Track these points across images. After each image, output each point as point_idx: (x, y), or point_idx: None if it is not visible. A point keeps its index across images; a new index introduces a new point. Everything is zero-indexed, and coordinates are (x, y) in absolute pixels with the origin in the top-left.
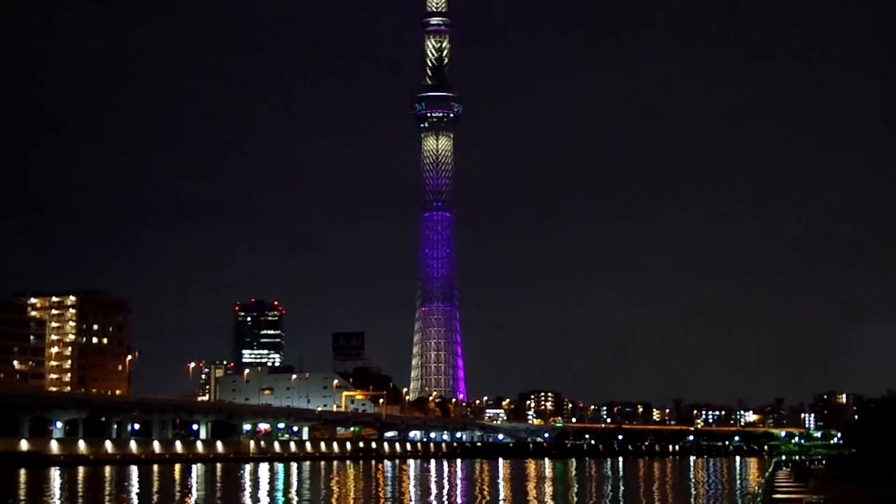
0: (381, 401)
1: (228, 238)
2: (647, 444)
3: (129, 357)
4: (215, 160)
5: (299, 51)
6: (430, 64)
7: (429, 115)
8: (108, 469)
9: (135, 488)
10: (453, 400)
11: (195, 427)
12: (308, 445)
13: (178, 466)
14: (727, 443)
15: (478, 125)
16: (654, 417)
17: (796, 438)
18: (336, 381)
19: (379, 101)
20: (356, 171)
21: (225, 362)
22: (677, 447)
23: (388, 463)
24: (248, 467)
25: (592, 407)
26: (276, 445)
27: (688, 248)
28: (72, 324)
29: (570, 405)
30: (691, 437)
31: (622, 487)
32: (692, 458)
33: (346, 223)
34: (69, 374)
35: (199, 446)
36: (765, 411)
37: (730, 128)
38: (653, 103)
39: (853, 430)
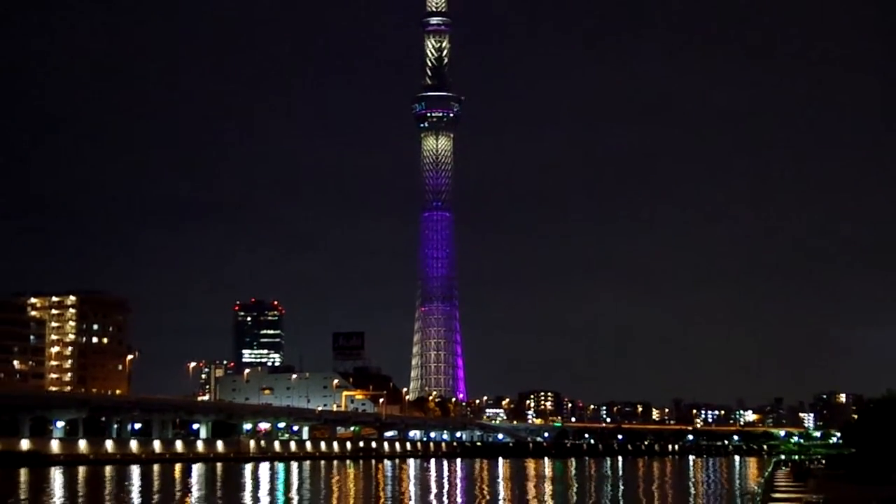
0: (380, 400)
1: (228, 238)
2: (646, 443)
3: (130, 357)
4: (215, 160)
5: (299, 51)
6: (429, 64)
7: (428, 114)
8: (108, 469)
9: (136, 488)
10: (453, 399)
11: (195, 427)
12: (308, 445)
13: (178, 466)
14: (726, 442)
15: (478, 125)
16: (654, 417)
17: (796, 438)
18: (336, 381)
19: (379, 101)
20: (356, 171)
21: (225, 362)
22: (677, 447)
23: (387, 462)
24: (248, 467)
25: (592, 406)
26: (277, 445)
27: (688, 248)
28: (72, 324)
29: (570, 405)
30: (691, 437)
31: (622, 487)
32: (692, 457)
33: (346, 223)
34: (69, 374)
35: (200, 446)
36: (764, 411)
37: (730, 128)
38: (653, 103)
39: (852, 430)
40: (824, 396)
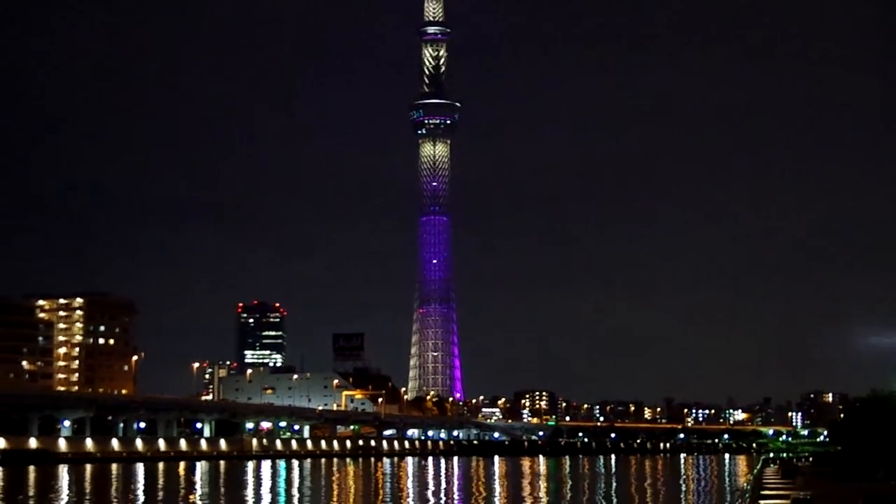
0: (380, 400)
1: (229, 239)
2: (638, 441)
3: (135, 357)
4: (215, 160)
5: (299, 51)
6: (427, 72)
7: (426, 121)
8: (114, 466)
9: (141, 485)
10: (450, 399)
11: (199, 425)
12: (309, 443)
13: (182, 464)
14: (717, 440)
15: (476, 128)
16: (646, 416)
17: (784, 436)
18: (336, 381)
19: (379, 103)
20: (356, 172)
21: (228, 363)
22: (668, 445)
23: (386, 460)
24: (250, 465)
25: (586, 406)
26: (278, 443)
27: (688, 248)
28: (79, 325)
29: (565, 404)
30: (682, 435)
31: (614, 484)
32: (682, 455)
33: (346, 226)
34: (77, 375)
35: (203, 444)
36: (753, 410)
37: (730, 128)
38: (653, 103)
39: (839, 429)
40: (811, 396)
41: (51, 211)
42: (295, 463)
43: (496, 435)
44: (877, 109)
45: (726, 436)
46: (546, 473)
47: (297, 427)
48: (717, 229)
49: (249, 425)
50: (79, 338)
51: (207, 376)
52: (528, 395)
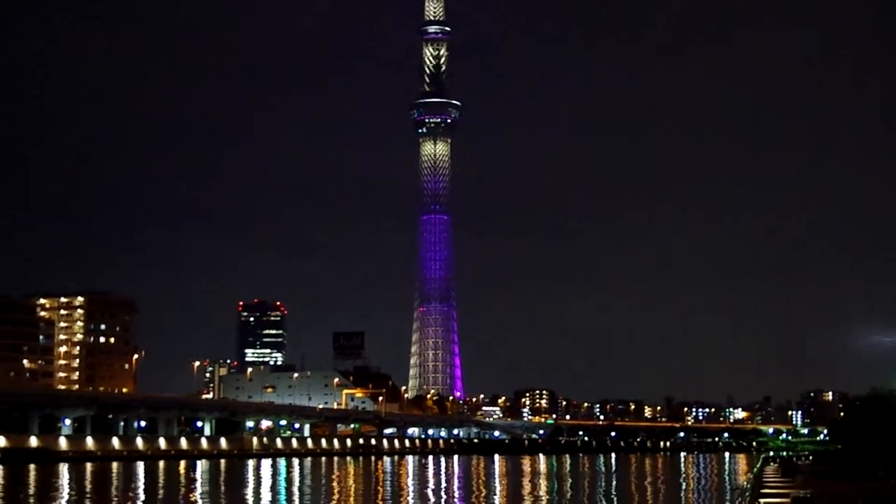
0: (380, 398)
1: (229, 239)
2: (638, 440)
3: (136, 356)
4: (215, 160)
5: (299, 51)
6: (427, 71)
7: (427, 120)
8: (115, 465)
9: (142, 484)
10: (450, 398)
11: (200, 424)
12: (309, 442)
13: (183, 462)
14: (717, 439)
15: (476, 129)
16: (646, 415)
17: (784, 435)
18: (337, 380)
19: (379, 102)
20: (356, 173)
21: (228, 361)
22: (668, 443)
23: (387, 459)
24: (251, 463)
25: (586, 404)
26: (279, 442)
27: (688, 248)
28: (80, 324)
29: (565, 403)
30: (682, 434)
31: (615, 482)
32: (683, 454)
33: (347, 226)
34: (77, 373)
35: (204, 443)
36: (753, 409)
37: (730, 128)
38: (652, 104)
39: (839, 427)
40: (811, 394)
41: (51, 211)
42: (295, 461)
43: (496, 434)
44: (877, 109)
45: (726, 434)
46: (546, 472)
47: (297, 425)
48: (717, 229)
49: (250, 424)
50: (79, 336)
51: (208, 375)
52: (528, 394)
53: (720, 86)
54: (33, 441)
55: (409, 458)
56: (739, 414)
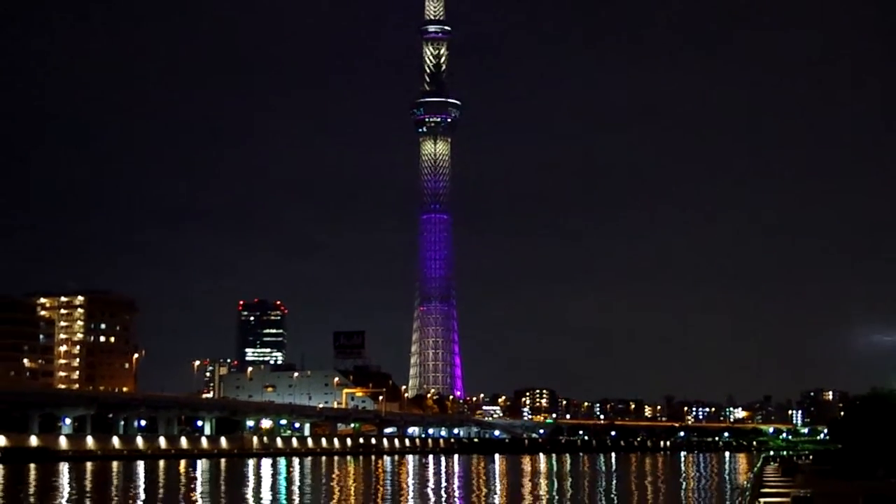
0: (380, 398)
1: (230, 239)
2: (639, 439)
3: (136, 355)
4: (215, 160)
5: (300, 50)
6: (427, 70)
7: (427, 120)
8: (115, 464)
9: (142, 483)
10: (451, 397)
11: (200, 423)
12: (309, 441)
13: (183, 461)
14: (717, 438)
15: (475, 129)
16: (646, 414)
17: (784, 434)
18: (337, 379)
19: (379, 102)
20: (356, 173)
21: (229, 360)
22: (668, 443)
23: (387, 458)
24: (251, 462)
25: (586, 404)
26: (279, 441)
27: (688, 248)
28: (80, 323)
29: (565, 402)
30: (682, 433)
31: (615, 482)
32: (683, 453)
33: (347, 225)
34: (77, 372)
35: (204, 442)
36: (753, 408)
37: (730, 128)
38: (653, 104)
39: (839, 427)
40: (811, 394)
41: (51, 211)
42: (296, 461)
43: (496, 433)
44: (877, 109)
45: (726, 434)
46: (546, 471)
47: (297, 425)
48: (717, 229)
49: (250, 423)
50: (80, 336)
51: (208, 374)
52: (528, 394)
53: (720, 86)
54: (34, 440)
55: (410, 458)
56: (740, 413)
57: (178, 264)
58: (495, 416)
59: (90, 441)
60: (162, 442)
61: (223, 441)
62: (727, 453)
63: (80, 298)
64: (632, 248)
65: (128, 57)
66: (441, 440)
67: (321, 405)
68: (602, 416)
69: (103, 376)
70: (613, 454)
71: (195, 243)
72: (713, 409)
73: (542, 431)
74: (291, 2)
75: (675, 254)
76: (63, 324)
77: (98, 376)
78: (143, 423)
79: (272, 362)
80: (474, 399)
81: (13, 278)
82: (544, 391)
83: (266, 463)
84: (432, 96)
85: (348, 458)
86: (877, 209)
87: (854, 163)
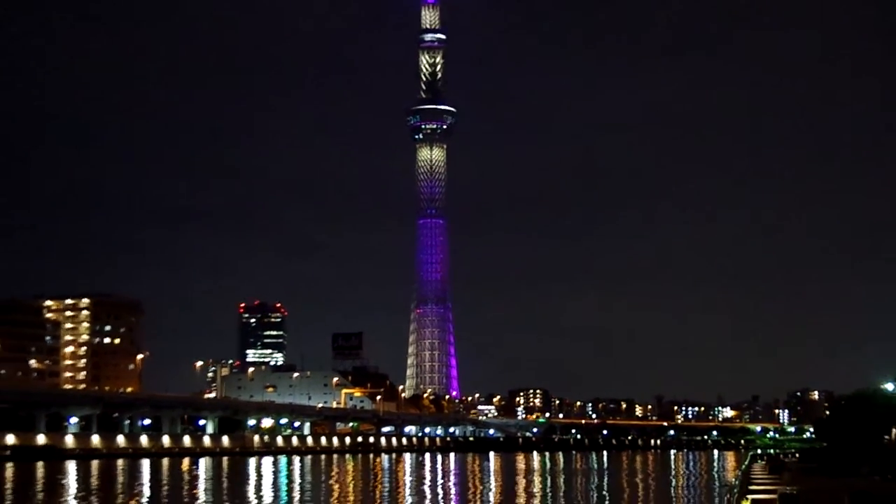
0: (378, 398)
1: (230, 241)
2: (630, 438)
3: (140, 356)
4: (215, 160)
5: (300, 51)
6: (424, 78)
7: (423, 126)
8: (120, 462)
9: (146, 480)
10: (447, 397)
11: (202, 422)
12: (309, 440)
13: (186, 460)
14: (706, 437)
15: (472, 134)
16: (637, 413)
17: (771, 433)
18: (336, 379)
19: (379, 104)
20: (356, 173)
21: (230, 361)
22: (659, 441)
23: (385, 456)
24: (252, 461)
25: (579, 403)
26: (279, 440)
27: (688, 248)
28: (86, 325)
29: (558, 402)
30: (672, 432)
31: (606, 479)
32: (673, 451)
33: (347, 226)
34: (83, 373)
35: (207, 441)
36: (741, 407)
37: (730, 128)
38: (652, 104)
39: (824, 426)
40: (798, 394)
41: (51, 211)
42: (296, 459)
43: (491, 432)
44: (877, 109)
45: (715, 432)
46: (540, 469)
47: (297, 424)
48: (717, 229)
49: (251, 422)
50: (85, 337)
51: (210, 375)
52: (522, 393)
53: (720, 86)
54: (41, 439)
55: (407, 456)
56: (728, 413)
57: (178, 264)
58: (490, 415)
59: (96, 440)
60: (165, 441)
61: (225, 440)
62: (716, 451)
63: (86, 301)
64: (632, 248)
65: (128, 57)
66: (437, 439)
67: (320, 405)
68: (594, 416)
69: (108, 377)
70: (605, 452)
71: (195, 243)
72: (702, 409)
73: (535, 430)
74: (291, 2)
75: (675, 254)
76: (69, 325)
77: (103, 377)
78: (147, 422)
79: (273, 363)
80: (469, 399)
81: (13, 278)
82: (538, 391)
83: (267, 461)
84: (428, 104)
85: (347, 456)
86: (877, 209)
87: (854, 163)
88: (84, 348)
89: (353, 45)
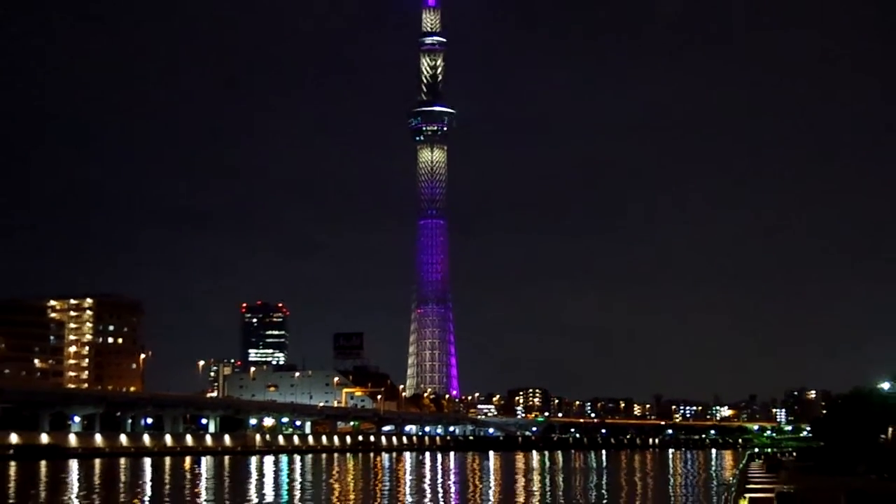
0: (379, 397)
1: (231, 241)
2: (628, 437)
3: (143, 356)
4: (215, 160)
5: (300, 52)
6: (424, 80)
7: (423, 128)
8: (122, 461)
9: (148, 479)
10: (447, 396)
11: (204, 421)
12: (310, 439)
13: (188, 458)
14: (704, 436)
15: (472, 136)
16: (636, 412)
17: (768, 432)
18: (337, 379)
19: (379, 104)
20: (356, 174)
21: (232, 361)
22: (657, 440)
23: (385, 455)
24: (254, 459)
25: (577, 402)
26: (281, 439)
27: (688, 248)
28: (89, 325)
29: (557, 401)
30: (670, 431)
31: (605, 478)
32: (671, 450)
33: (347, 226)
34: (86, 372)
35: (209, 440)
36: (739, 407)
37: (730, 128)
38: (653, 103)
39: (821, 425)
40: (795, 393)
41: (51, 211)
42: (297, 458)
43: (491, 431)
44: (877, 109)
45: (713, 431)
46: (539, 468)
47: (298, 423)
48: (717, 229)
49: (253, 421)
50: (89, 337)
51: (212, 374)
52: (521, 393)
53: (720, 86)
54: (44, 438)
55: (407, 455)
56: (726, 412)
57: (177, 264)
58: (490, 414)
59: (99, 439)
60: (168, 440)
61: (227, 439)
62: (713, 450)
63: (89, 301)
64: (632, 248)
65: (128, 57)
66: (437, 438)
67: (322, 404)
68: (593, 415)
69: (111, 376)
70: (604, 451)
71: (195, 243)
72: (700, 408)
73: (534, 429)
74: (291, 2)
75: (675, 254)
76: (72, 325)
77: (106, 376)
78: (149, 421)
79: (274, 363)
80: (469, 398)
81: (13, 278)
82: (537, 390)
83: (268, 460)
84: (429, 106)
85: (348, 455)
86: (877, 209)
87: (854, 163)
88: (87, 348)
89: (353, 45)
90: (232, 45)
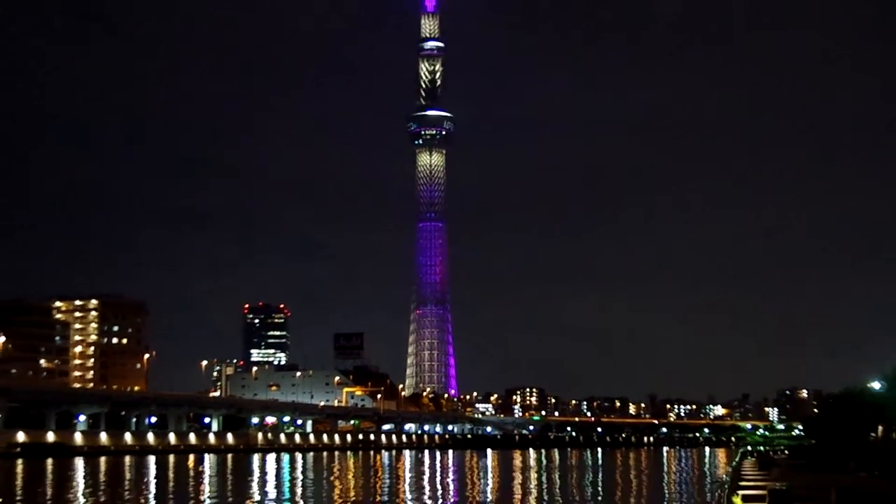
0: (378, 396)
1: (230, 240)
2: (624, 435)
3: (147, 356)
4: (215, 160)
5: (300, 52)
6: (423, 85)
7: (422, 132)
8: (127, 459)
9: (153, 477)
10: (445, 395)
11: (207, 420)
12: (311, 437)
13: (191, 457)
14: (697, 435)
15: (471, 139)
16: (631, 411)
17: (761, 431)
18: (337, 378)
19: (379, 104)
20: (356, 174)
21: (235, 361)
22: (652, 438)
23: (385, 453)
24: (256, 457)
25: (574, 401)
26: (282, 437)
27: (688, 248)
28: (94, 325)
29: (554, 400)
30: (664, 430)
31: (601, 475)
32: (665, 448)
33: (347, 226)
34: (91, 372)
35: (212, 438)
36: (732, 406)
37: (730, 128)
38: (652, 103)
39: (813, 423)
40: (787, 392)
41: (51, 211)
42: (298, 456)
43: (489, 429)
44: (877, 109)
45: (706, 430)
46: (536, 465)
47: (300, 422)
48: (717, 229)
49: (255, 420)
50: (94, 337)
51: (215, 374)
52: (518, 392)
53: (720, 86)
54: (50, 436)
55: (406, 453)
56: (719, 411)
57: (178, 264)
58: (487, 413)
59: (104, 437)
60: (172, 438)
61: (230, 437)
62: (707, 448)
63: (94, 302)
64: (632, 248)
65: (128, 57)
66: (436, 436)
67: (322, 403)
68: (589, 414)
69: (116, 376)
70: (600, 449)
71: (195, 244)
72: (694, 407)
73: (531, 428)
74: (291, 2)
75: (675, 254)
76: (78, 326)
77: (111, 376)
78: (153, 420)
79: (276, 363)
80: (468, 397)
81: (13, 278)
82: (534, 389)
83: (270, 458)
84: (428, 110)
85: (348, 453)
86: (877, 209)
87: (854, 163)
88: (92, 348)
89: (353, 46)
90: (232, 45)
